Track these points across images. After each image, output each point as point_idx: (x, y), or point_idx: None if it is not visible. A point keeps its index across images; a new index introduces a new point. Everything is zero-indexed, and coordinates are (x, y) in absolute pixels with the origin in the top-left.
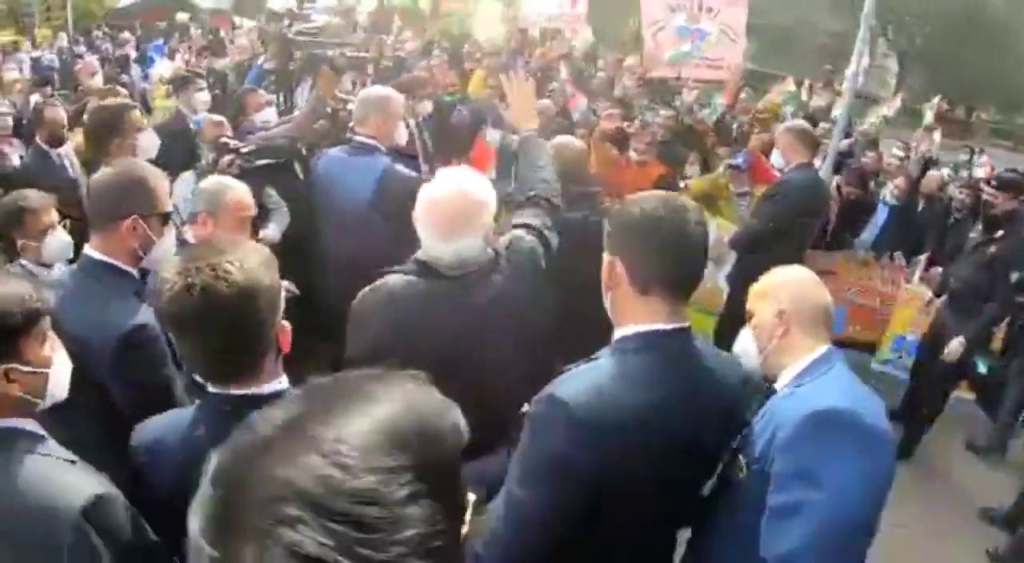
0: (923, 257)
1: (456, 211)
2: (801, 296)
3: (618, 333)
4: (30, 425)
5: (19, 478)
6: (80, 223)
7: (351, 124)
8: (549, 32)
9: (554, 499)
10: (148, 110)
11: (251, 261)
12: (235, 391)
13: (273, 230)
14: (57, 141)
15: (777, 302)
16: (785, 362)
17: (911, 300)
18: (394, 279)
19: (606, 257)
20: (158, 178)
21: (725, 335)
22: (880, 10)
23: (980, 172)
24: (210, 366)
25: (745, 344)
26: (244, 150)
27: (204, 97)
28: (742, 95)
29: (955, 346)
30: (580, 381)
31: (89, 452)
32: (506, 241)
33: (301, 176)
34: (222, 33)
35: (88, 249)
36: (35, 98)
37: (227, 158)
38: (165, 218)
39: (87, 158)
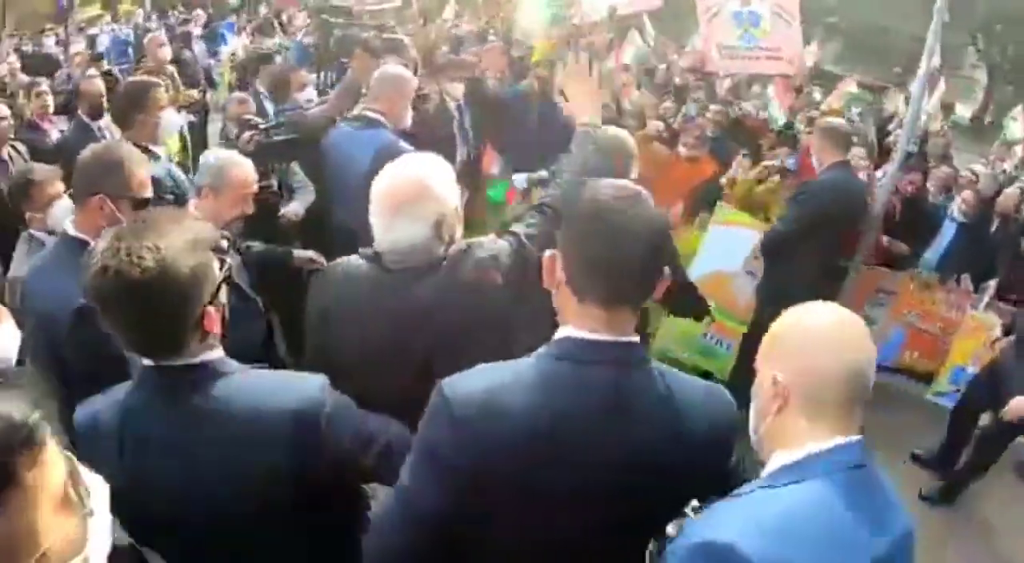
0: (992, 283)
1: (396, 195)
2: (809, 361)
3: (560, 332)
4: None
5: None
6: None
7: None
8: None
9: (432, 491)
10: (212, 85)
11: (173, 245)
12: (164, 363)
13: (296, 206)
14: (97, 113)
15: (775, 363)
16: (775, 448)
17: (975, 330)
18: (352, 259)
19: (548, 251)
20: (136, 163)
21: (747, 354)
22: (970, 18)
23: None
24: (131, 343)
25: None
26: (263, 126)
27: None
28: (806, 90)
29: (1017, 406)
30: (478, 378)
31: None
32: (468, 244)
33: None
34: (283, 15)
35: (67, 224)
36: (91, 72)
37: (247, 134)
38: (138, 203)
39: None
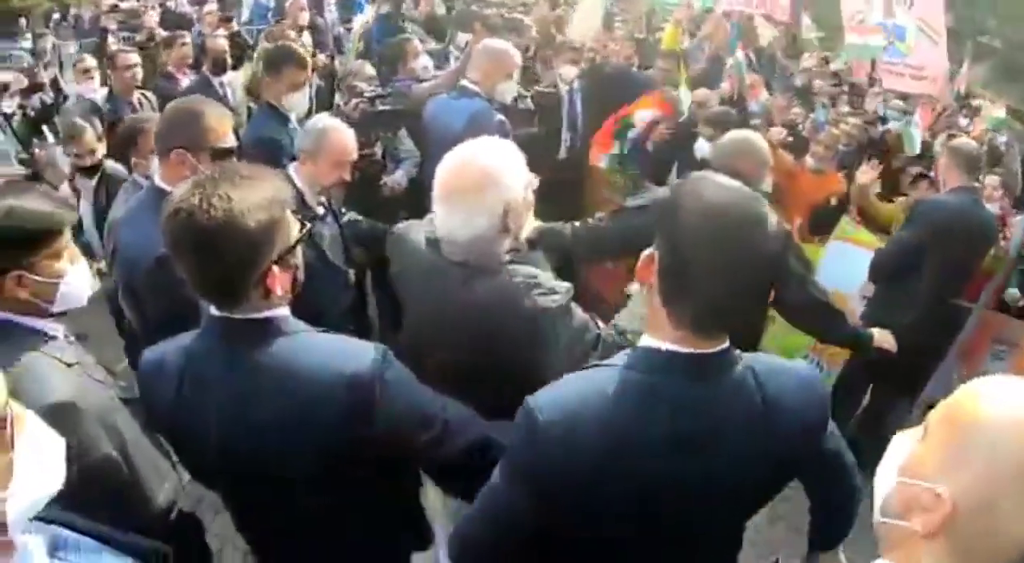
0: None
1: (458, 183)
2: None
3: (641, 341)
4: (36, 323)
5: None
6: None
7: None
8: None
9: (514, 497)
10: (341, 51)
11: (247, 198)
12: (226, 314)
13: (399, 176)
14: (220, 69)
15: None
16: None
17: None
18: (417, 234)
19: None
20: (215, 116)
21: (843, 384)
22: None
23: None
24: (197, 289)
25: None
26: (368, 95)
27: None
28: (948, 113)
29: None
30: (563, 390)
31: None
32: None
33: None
34: None
35: (155, 173)
36: (219, 31)
37: (353, 102)
38: (218, 153)
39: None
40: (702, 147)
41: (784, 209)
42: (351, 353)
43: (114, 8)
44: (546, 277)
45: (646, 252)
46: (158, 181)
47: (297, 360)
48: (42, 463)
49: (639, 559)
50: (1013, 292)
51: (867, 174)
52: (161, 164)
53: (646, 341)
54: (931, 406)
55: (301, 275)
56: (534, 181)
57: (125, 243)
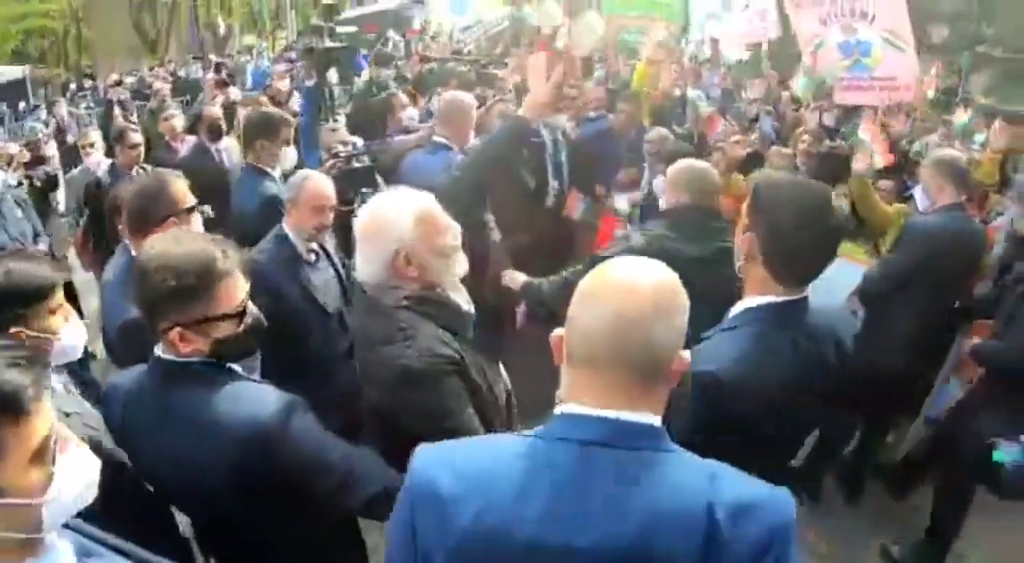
0: None
1: (357, 228)
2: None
3: (745, 304)
4: None
5: None
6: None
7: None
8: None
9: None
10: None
11: (169, 259)
12: (159, 354)
13: None
14: (216, 136)
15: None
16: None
17: None
18: None
19: (746, 220)
20: (177, 187)
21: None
22: None
23: None
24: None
25: None
26: (343, 155)
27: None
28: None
29: None
30: (722, 352)
31: None
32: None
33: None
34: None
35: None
36: (218, 98)
37: (329, 162)
38: (186, 212)
39: None
40: (658, 184)
41: None
42: (259, 403)
43: (118, 83)
44: (428, 335)
45: (746, 232)
46: (134, 252)
47: (208, 405)
48: (79, 479)
49: None
50: None
51: (861, 161)
52: (135, 240)
53: (760, 300)
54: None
55: (263, 323)
56: (456, 231)
57: (105, 304)
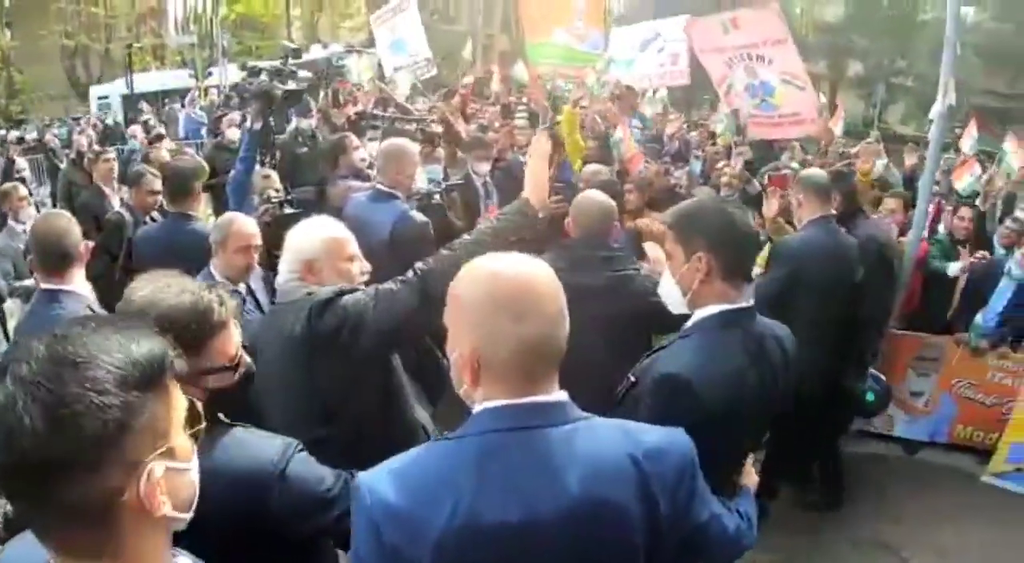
0: None
1: (286, 238)
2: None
3: (702, 313)
4: None
5: None
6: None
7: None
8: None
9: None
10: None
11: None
12: None
13: None
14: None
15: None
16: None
17: None
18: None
19: (682, 251)
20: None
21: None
22: None
23: None
24: None
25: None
26: (275, 200)
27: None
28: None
29: None
30: (682, 355)
31: None
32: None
33: None
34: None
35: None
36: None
37: (261, 208)
38: None
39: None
40: None
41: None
42: (250, 454)
43: (20, 140)
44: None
45: (687, 254)
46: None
47: (209, 459)
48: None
49: None
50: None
51: (771, 207)
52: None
53: (714, 308)
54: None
55: (253, 373)
56: (363, 268)
57: None
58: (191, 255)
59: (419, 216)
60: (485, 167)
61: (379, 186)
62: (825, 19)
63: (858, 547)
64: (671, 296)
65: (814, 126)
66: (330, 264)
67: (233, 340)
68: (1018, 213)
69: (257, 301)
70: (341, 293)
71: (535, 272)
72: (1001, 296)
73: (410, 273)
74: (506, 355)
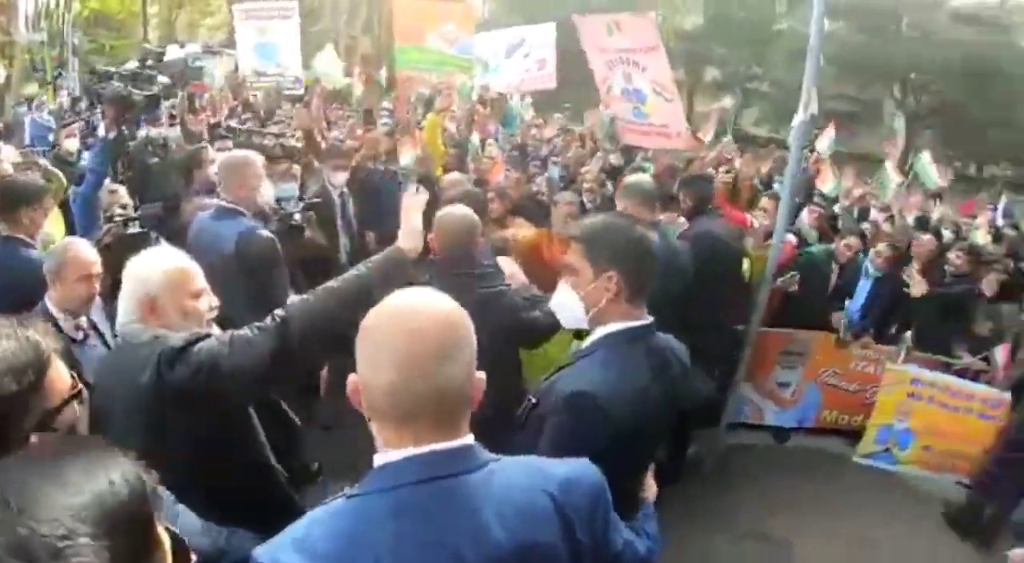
0: (908, 334)
1: (124, 270)
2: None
3: (604, 331)
4: None
5: None
6: None
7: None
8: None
9: None
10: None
11: None
12: None
13: None
14: None
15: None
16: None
17: (896, 383)
18: None
19: (590, 268)
20: None
21: None
22: (887, 71)
23: (979, 236)
24: None
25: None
26: (118, 219)
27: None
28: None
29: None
30: (588, 373)
31: None
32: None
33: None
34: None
35: None
36: None
37: (106, 226)
38: None
39: None
40: None
41: (542, 281)
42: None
43: None
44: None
45: (596, 273)
46: None
47: None
48: None
49: None
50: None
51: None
52: None
53: (618, 325)
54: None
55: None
56: (211, 303)
57: None
58: (25, 287)
59: (265, 232)
60: (342, 177)
61: (222, 203)
62: (684, 27)
63: (738, 540)
64: (571, 311)
65: (680, 141)
66: (174, 302)
67: (62, 370)
68: (874, 214)
69: (102, 335)
70: (194, 340)
71: (429, 313)
72: (862, 292)
73: (268, 319)
74: (401, 403)
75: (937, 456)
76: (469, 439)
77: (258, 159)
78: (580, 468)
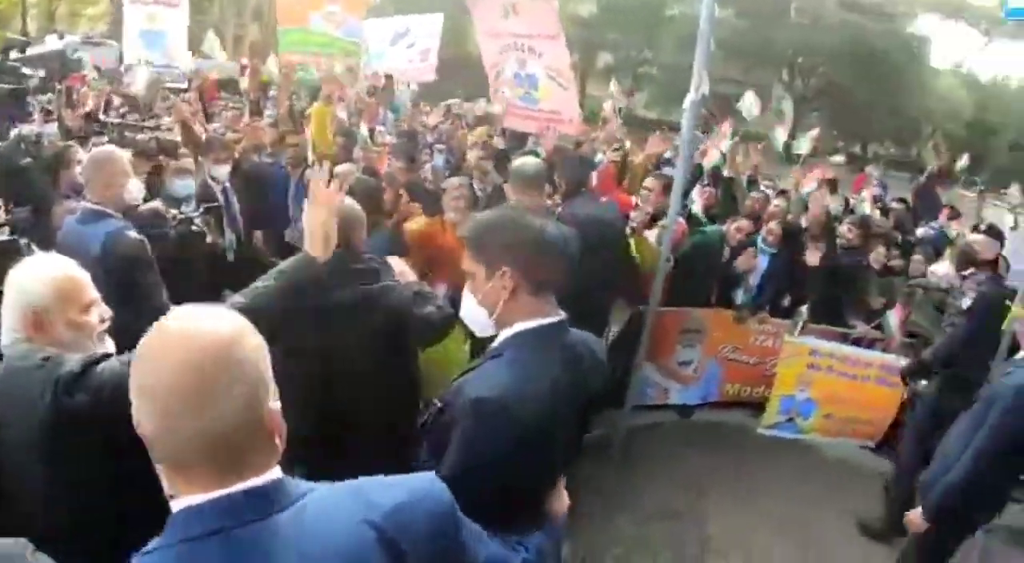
0: (804, 308)
1: (5, 283)
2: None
3: (511, 331)
4: None
5: None
6: None
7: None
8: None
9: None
10: None
11: None
12: None
13: None
14: None
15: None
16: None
17: (795, 355)
18: None
19: (484, 269)
20: None
21: None
22: (775, 56)
23: (866, 207)
24: None
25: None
26: None
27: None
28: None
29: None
30: (494, 376)
31: None
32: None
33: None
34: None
35: None
36: None
37: None
38: None
39: None
40: None
41: (437, 273)
42: None
43: None
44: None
45: (488, 272)
46: None
47: None
48: None
49: None
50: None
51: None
52: None
53: (523, 325)
54: None
55: None
56: (103, 313)
57: None
58: None
59: (133, 233)
60: (224, 171)
61: (87, 205)
62: (580, 14)
63: (644, 520)
64: (475, 317)
65: (572, 127)
66: (63, 316)
67: None
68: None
69: None
70: (93, 362)
71: (197, 343)
72: (757, 268)
73: None
74: (167, 449)
75: (839, 423)
76: (271, 475)
77: (123, 155)
78: (419, 488)
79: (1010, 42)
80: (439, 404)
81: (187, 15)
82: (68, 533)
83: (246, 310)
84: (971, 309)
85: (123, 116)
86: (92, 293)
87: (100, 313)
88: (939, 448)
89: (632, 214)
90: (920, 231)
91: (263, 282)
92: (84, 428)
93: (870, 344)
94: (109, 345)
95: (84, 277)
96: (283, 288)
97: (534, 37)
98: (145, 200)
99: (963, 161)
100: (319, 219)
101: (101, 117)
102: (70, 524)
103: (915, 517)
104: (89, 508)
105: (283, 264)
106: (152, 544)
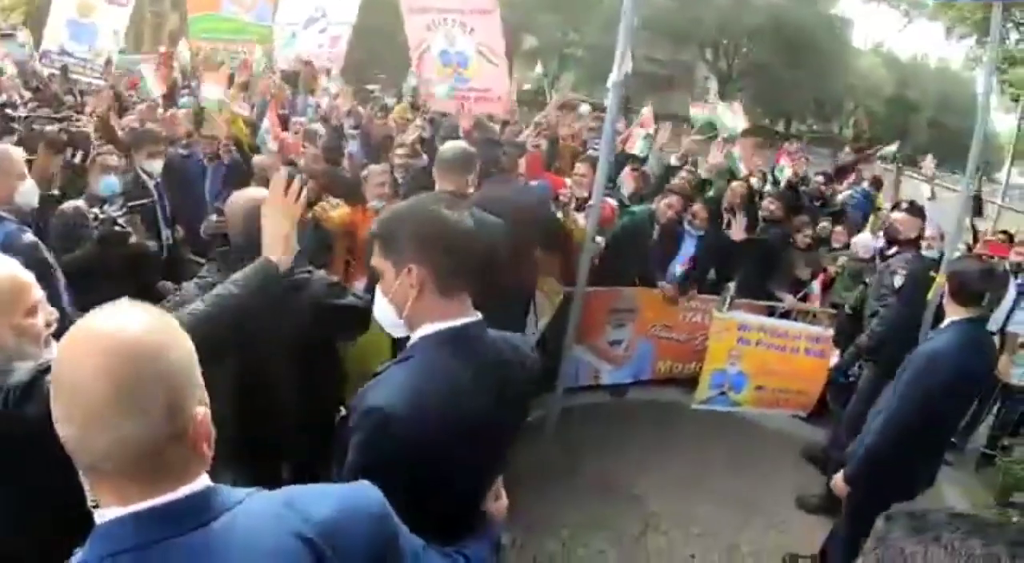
0: (732, 284)
1: None
2: None
3: (420, 333)
4: None
5: None
6: None
7: None
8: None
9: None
10: None
11: None
12: None
13: None
14: None
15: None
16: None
17: (724, 330)
18: None
19: (392, 266)
20: None
21: None
22: (698, 36)
23: (788, 174)
24: None
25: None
26: None
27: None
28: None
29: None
30: (393, 384)
31: None
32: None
33: None
34: None
35: None
36: None
37: None
38: None
39: None
40: None
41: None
42: None
43: None
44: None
45: (395, 269)
46: None
47: None
48: None
49: None
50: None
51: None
52: None
53: (435, 327)
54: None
55: None
56: (51, 317)
57: None
58: None
59: (28, 237)
60: (157, 165)
61: None
62: None
63: (581, 495)
64: (385, 317)
65: (500, 105)
66: (7, 320)
67: None
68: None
69: None
70: (45, 369)
71: (112, 346)
72: (686, 251)
73: None
74: (84, 460)
75: (770, 394)
76: (198, 484)
77: (16, 153)
78: (354, 497)
79: (929, 23)
80: (344, 412)
81: (129, 15)
82: (24, 550)
83: (208, 319)
84: (903, 287)
85: (33, 110)
86: (37, 294)
87: (46, 316)
88: (868, 419)
89: (562, 191)
90: (843, 195)
91: (224, 289)
92: (37, 441)
93: (797, 316)
94: (55, 350)
95: (28, 277)
96: (244, 297)
97: (466, 12)
98: (70, 198)
99: (892, 147)
100: (278, 223)
101: (8, 112)
102: (27, 543)
103: (838, 480)
104: (44, 524)
105: (242, 271)
106: (74, 560)
